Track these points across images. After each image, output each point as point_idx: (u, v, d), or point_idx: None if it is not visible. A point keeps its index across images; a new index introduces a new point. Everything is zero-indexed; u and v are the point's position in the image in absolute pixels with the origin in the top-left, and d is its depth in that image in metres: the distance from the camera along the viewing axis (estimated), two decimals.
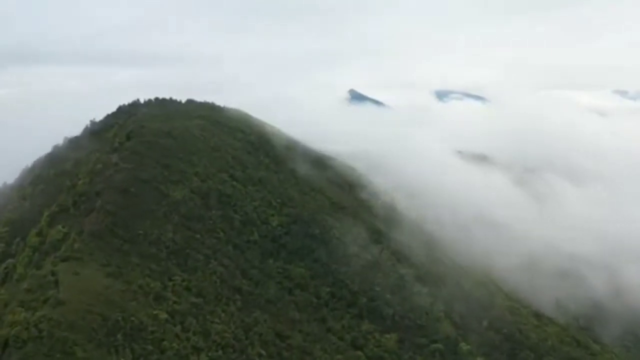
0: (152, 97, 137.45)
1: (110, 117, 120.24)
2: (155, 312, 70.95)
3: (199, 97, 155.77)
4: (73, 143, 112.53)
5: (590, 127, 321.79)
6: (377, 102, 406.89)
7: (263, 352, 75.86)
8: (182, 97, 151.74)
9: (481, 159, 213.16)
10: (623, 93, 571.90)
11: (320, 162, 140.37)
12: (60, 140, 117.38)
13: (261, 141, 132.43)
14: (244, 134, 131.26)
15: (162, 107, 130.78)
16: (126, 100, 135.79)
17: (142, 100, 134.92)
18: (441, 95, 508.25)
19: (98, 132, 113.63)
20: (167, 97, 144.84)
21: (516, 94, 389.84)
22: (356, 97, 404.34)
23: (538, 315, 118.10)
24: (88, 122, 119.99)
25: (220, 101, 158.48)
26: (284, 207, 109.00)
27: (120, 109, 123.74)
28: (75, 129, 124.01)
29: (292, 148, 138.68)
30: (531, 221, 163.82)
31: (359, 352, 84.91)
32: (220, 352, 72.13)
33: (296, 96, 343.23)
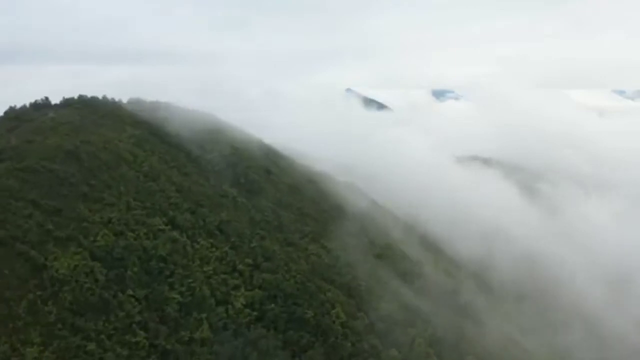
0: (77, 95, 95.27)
1: None
2: None
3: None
4: None
5: (591, 127, 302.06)
6: (374, 102, 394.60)
7: None
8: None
9: (484, 163, 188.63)
10: (620, 92, 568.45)
11: (310, 187, 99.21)
12: None
13: (230, 161, 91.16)
14: (203, 151, 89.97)
15: (87, 110, 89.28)
16: None
17: (60, 99, 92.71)
18: (438, 94, 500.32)
19: None
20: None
21: (514, 93, 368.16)
22: (353, 96, 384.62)
23: None
24: None
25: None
26: (256, 272, 67.72)
27: (11, 111, 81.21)
28: None
29: (275, 169, 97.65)
30: (559, 245, 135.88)
31: None
32: None
33: (290, 96, 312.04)
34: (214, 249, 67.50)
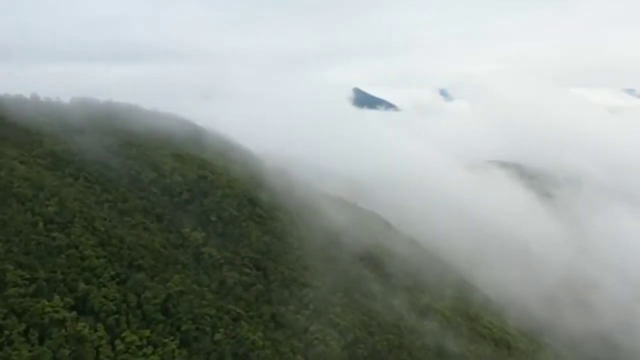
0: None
1: None
2: None
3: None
4: None
5: (602, 126, 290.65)
6: (382, 101, 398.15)
7: None
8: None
9: (491, 163, 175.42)
10: (630, 91, 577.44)
11: (314, 221, 71.81)
12: None
13: (198, 188, 63.96)
14: (161, 174, 62.67)
15: None
16: None
17: None
18: (446, 93, 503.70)
19: None
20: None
21: (524, 92, 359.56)
22: (360, 96, 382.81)
23: None
24: None
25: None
26: None
27: None
28: None
29: (265, 195, 70.16)
30: (584, 256, 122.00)
31: None
32: None
33: (296, 96, 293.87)
34: (150, 350, 40.11)
